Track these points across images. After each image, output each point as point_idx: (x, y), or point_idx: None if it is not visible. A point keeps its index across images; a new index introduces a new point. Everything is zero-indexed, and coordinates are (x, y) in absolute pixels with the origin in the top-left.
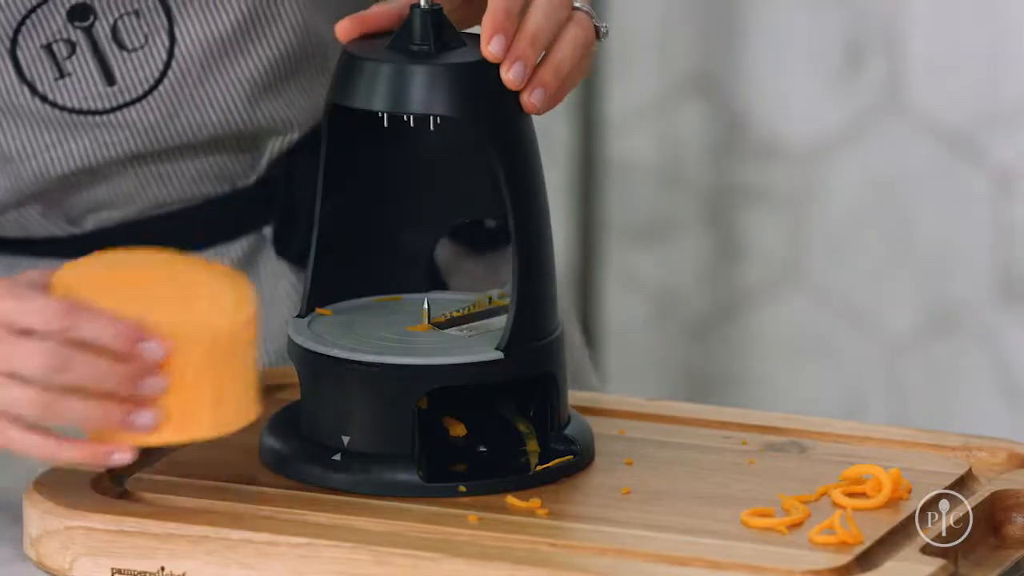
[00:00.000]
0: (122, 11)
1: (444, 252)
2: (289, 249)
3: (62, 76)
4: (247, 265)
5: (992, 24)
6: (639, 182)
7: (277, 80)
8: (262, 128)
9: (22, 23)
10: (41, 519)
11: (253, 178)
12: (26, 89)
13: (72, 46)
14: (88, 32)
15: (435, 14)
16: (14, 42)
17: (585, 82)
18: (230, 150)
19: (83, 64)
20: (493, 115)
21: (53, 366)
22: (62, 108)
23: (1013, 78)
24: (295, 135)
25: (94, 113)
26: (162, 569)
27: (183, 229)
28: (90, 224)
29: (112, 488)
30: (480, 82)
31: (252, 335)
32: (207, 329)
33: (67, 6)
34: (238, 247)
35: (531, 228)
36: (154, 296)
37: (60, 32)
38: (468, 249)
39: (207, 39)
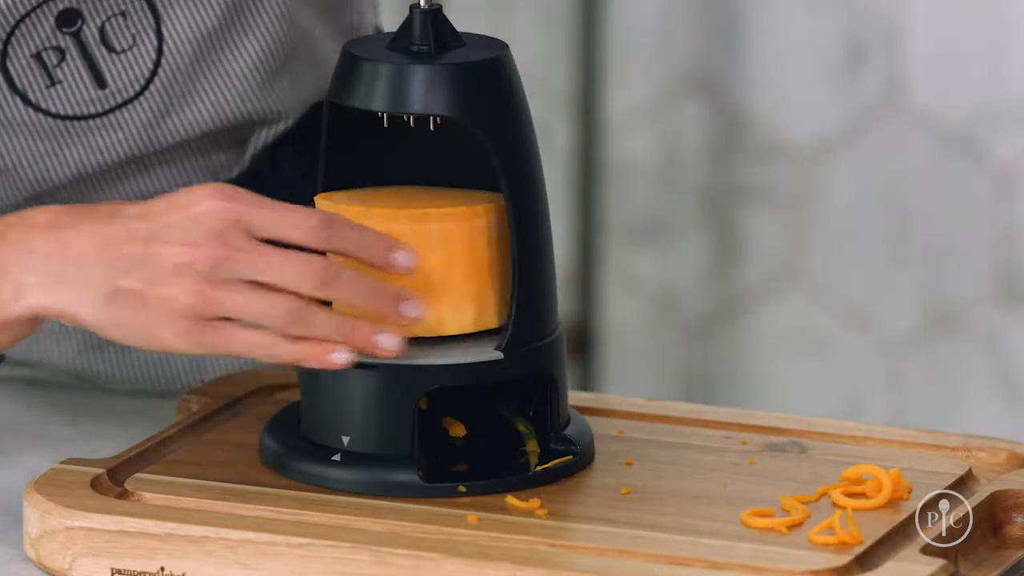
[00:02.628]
0: (109, 13)
1: None
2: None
3: (53, 84)
4: None
5: (993, 23)
6: (639, 182)
7: (266, 73)
8: (253, 121)
9: (10, 35)
10: (41, 519)
11: (236, 171)
12: (18, 100)
13: (61, 53)
14: (76, 37)
15: (435, 14)
16: (3, 54)
17: (585, 82)
18: (218, 144)
19: (73, 70)
20: (493, 115)
21: (321, 280)
22: (55, 116)
23: (1013, 77)
24: (281, 127)
25: (87, 118)
26: (162, 569)
27: None
28: None
29: (112, 488)
30: (480, 82)
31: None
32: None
33: (55, 12)
34: None
35: (531, 228)
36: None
37: (48, 40)
38: None
39: (194, 35)
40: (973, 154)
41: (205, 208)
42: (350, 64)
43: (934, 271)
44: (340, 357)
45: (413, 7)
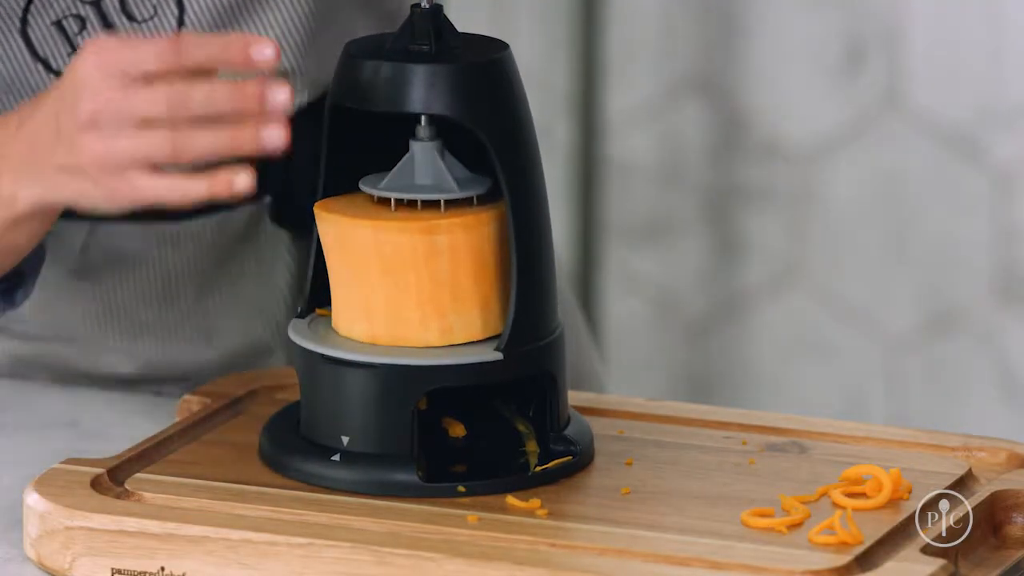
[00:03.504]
0: None
1: None
2: (287, 218)
3: (74, 51)
4: (248, 234)
5: (992, 24)
6: (639, 182)
7: (288, 47)
8: None
9: (30, 2)
10: (41, 519)
11: None
12: (40, 67)
13: (82, 21)
14: (97, 6)
15: (435, 14)
16: (24, 21)
17: (585, 82)
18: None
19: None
20: (493, 115)
21: (175, 101)
22: None
23: (1013, 78)
24: (300, 101)
25: None
26: (162, 569)
27: None
28: None
29: (112, 488)
30: (480, 82)
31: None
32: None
33: None
34: (240, 215)
35: (531, 228)
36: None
37: (69, 8)
38: None
39: (215, 5)
40: (973, 154)
41: (84, 69)
42: (350, 64)
43: (934, 271)
44: (241, 180)
45: (413, 7)
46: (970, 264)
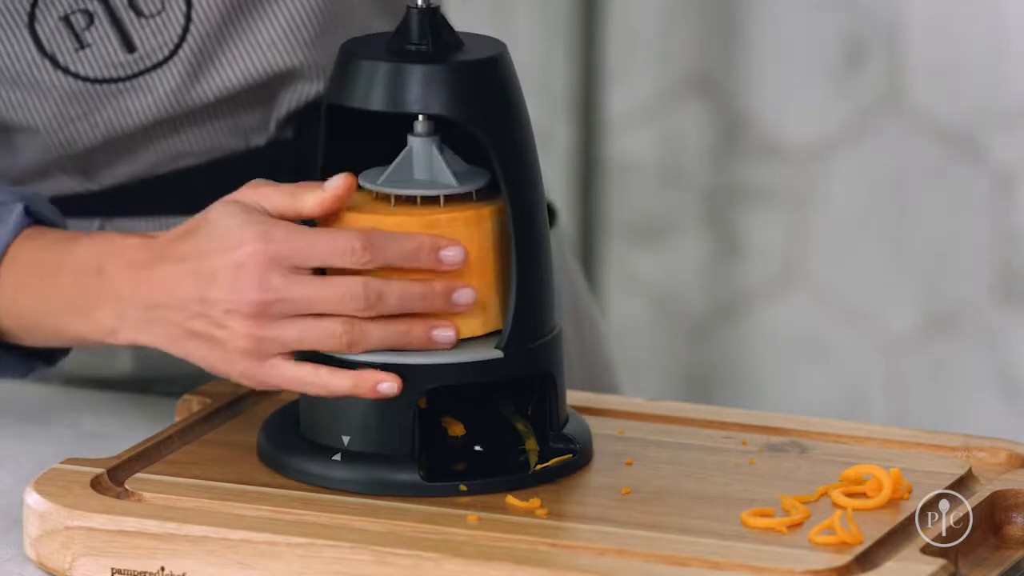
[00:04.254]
0: None
1: None
2: None
3: (82, 47)
4: None
5: (992, 24)
6: (639, 182)
7: (298, 39)
8: (281, 85)
9: None
10: (41, 519)
11: (265, 137)
12: (47, 62)
13: (90, 16)
14: (105, 2)
15: (432, 13)
16: (32, 16)
17: (585, 82)
18: (246, 104)
19: (102, 34)
20: (491, 115)
21: (368, 302)
22: (84, 79)
23: (1013, 78)
24: (312, 93)
25: (116, 81)
26: (162, 569)
27: (198, 187)
28: (106, 180)
29: (112, 488)
30: (479, 82)
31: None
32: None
33: None
34: None
35: (530, 227)
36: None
37: (76, 3)
38: None
39: (223, 1)
40: (973, 154)
41: (245, 254)
42: (348, 63)
43: (934, 271)
44: (388, 387)
45: (410, 7)
46: (970, 264)
